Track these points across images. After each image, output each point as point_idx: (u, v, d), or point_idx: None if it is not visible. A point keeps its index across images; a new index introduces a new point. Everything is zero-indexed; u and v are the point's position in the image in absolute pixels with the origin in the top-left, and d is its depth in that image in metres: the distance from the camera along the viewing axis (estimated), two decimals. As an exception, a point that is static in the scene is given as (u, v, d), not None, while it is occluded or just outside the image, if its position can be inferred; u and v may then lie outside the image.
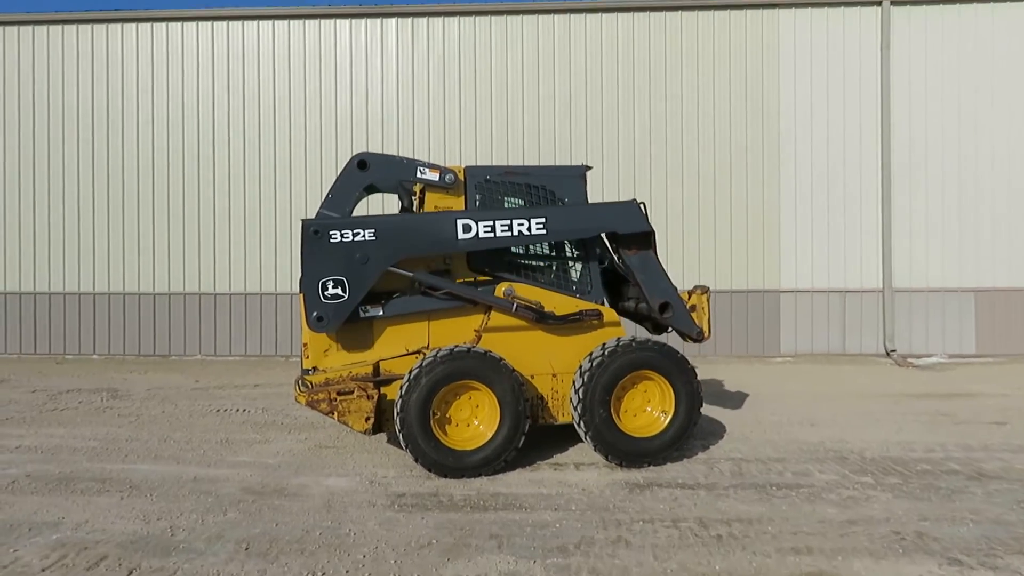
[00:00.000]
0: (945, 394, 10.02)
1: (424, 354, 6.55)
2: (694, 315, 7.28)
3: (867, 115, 13.40)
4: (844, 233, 13.40)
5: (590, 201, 7.35)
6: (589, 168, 7.41)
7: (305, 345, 6.78)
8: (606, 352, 6.56)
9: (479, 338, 6.76)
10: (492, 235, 6.80)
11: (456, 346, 6.46)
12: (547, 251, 7.37)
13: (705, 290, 7.41)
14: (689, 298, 7.32)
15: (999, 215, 13.27)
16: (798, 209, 13.42)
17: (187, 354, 13.78)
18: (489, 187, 7.05)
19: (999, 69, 13.28)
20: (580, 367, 6.62)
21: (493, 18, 13.67)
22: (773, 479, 6.22)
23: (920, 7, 13.34)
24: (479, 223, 6.77)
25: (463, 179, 7.00)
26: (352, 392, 6.47)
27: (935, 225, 13.35)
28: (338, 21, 13.84)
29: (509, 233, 6.83)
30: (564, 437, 7.17)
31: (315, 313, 6.58)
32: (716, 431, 7.82)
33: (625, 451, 6.52)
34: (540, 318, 6.77)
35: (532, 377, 6.79)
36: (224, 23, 13.89)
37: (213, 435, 7.85)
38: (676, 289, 7.25)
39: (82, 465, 6.74)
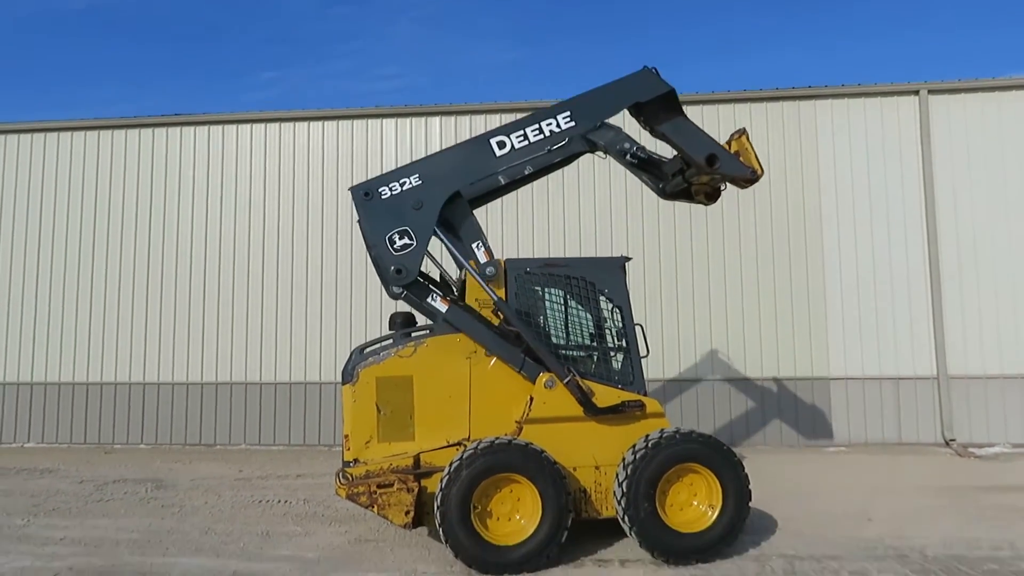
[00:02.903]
0: (1011, 487, 9.54)
1: (465, 446, 6.50)
2: (741, 159, 7.13)
3: (911, 200, 13.30)
4: (893, 318, 13.11)
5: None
6: (628, 259, 7.45)
7: (347, 437, 6.80)
8: (650, 444, 6.44)
9: (520, 430, 6.70)
10: (527, 142, 7.04)
11: (497, 438, 6.41)
12: (588, 342, 7.35)
13: (742, 132, 7.33)
14: (730, 146, 7.20)
15: (1056, 297, 12.89)
16: (844, 295, 13.21)
17: (232, 443, 13.87)
18: (529, 278, 7.12)
19: (1042, 152, 13.16)
20: (623, 459, 6.50)
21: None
22: (829, 579, 5.94)
23: (958, 95, 13.38)
24: (512, 135, 7.04)
25: (504, 270, 7.07)
26: (392, 485, 6.43)
27: (989, 309, 12.99)
28: (384, 120, 14.39)
29: (541, 135, 7.07)
30: (609, 532, 6.95)
31: (392, 267, 6.76)
32: (767, 526, 7.53)
33: (671, 547, 6.32)
34: (585, 403, 6.69)
35: (575, 470, 6.67)
36: (276, 124, 14.55)
37: (254, 527, 7.81)
38: (716, 140, 7.16)
39: (124, 559, 6.75)
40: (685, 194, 7.83)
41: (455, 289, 7.62)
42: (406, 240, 6.81)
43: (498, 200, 13.27)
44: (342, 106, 14.67)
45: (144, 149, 14.68)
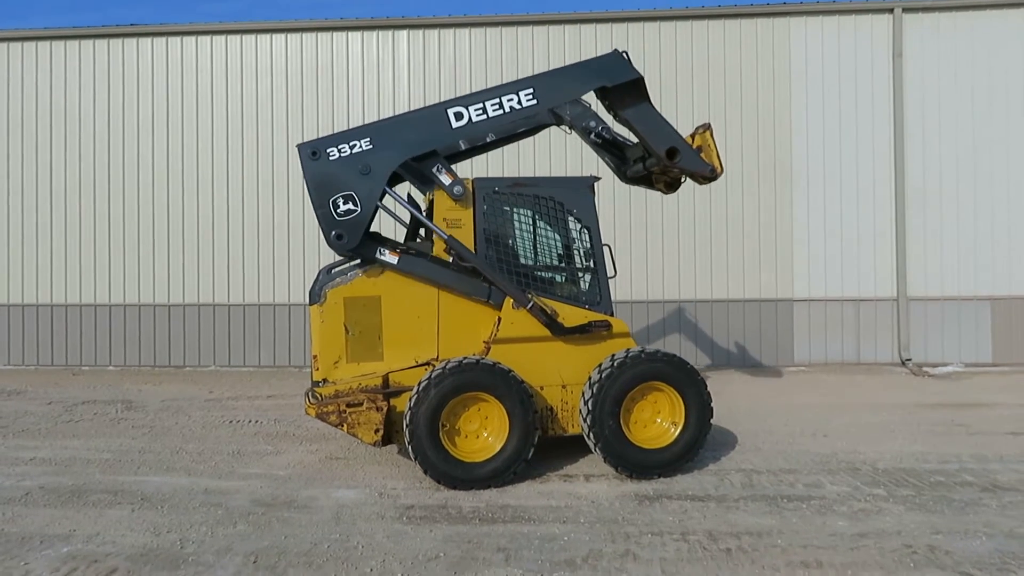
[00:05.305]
0: (960, 404, 9.92)
1: (433, 366, 6.55)
2: (703, 155, 7.20)
3: (880, 122, 13.33)
4: (858, 241, 13.31)
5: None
6: (597, 179, 7.41)
7: (315, 357, 6.81)
8: (615, 363, 6.54)
9: (488, 349, 6.76)
10: (485, 116, 6.81)
11: (465, 358, 6.47)
12: (556, 262, 7.38)
13: (707, 127, 7.35)
14: (693, 140, 7.25)
15: (1016, 221, 13.12)
16: (811, 217, 13.35)
17: (201, 365, 13.87)
18: (497, 198, 7.07)
19: (1012, 74, 13.17)
20: (589, 378, 6.61)
21: (504, 29, 13.71)
22: (784, 491, 6.18)
23: (932, 14, 13.27)
24: (470, 107, 6.79)
25: (472, 190, 7.00)
26: (361, 404, 6.49)
27: (950, 232, 13.23)
28: (350, 33, 13.94)
29: (501, 111, 6.84)
30: (574, 448, 7.13)
31: (333, 232, 6.61)
32: (727, 442, 7.78)
33: (635, 462, 6.50)
34: (551, 324, 6.75)
35: (541, 388, 6.78)
36: (238, 36, 14.02)
37: (225, 446, 7.89)
38: (679, 133, 7.18)
39: (95, 477, 6.80)
40: (645, 180, 7.86)
41: (422, 209, 7.51)
42: (350, 205, 6.57)
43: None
44: (305, 16, 14.17)
45: (101, 61, 14.12)
